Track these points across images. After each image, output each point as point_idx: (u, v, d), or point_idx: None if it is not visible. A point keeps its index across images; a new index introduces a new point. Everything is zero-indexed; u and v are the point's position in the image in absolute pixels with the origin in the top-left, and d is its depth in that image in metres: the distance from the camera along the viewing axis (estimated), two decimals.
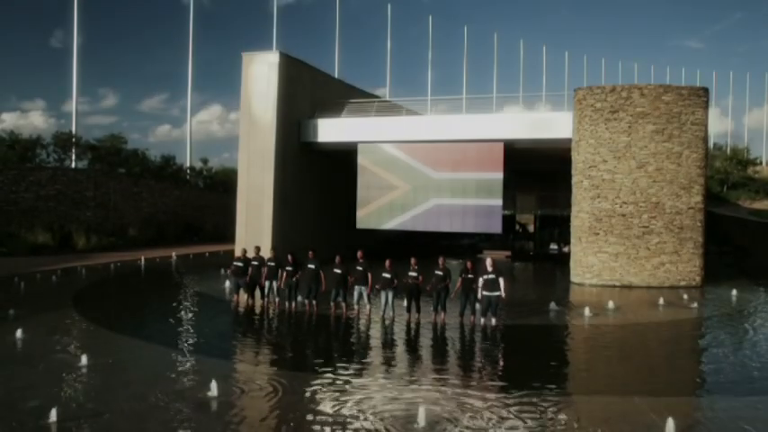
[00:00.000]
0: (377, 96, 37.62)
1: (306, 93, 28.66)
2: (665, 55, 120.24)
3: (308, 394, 9.56)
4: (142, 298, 19.82)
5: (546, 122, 25.38)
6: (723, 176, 52.99)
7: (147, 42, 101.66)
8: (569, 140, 23.87)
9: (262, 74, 26.62)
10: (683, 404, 9.61)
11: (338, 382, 10.27)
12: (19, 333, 12.83)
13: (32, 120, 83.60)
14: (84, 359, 10.89)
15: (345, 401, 9.21)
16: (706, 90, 23.01)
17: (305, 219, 27.95)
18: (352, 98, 30.51)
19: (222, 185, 42.92)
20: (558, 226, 34.48)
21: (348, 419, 8.43)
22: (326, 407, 8.96)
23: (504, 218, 28.77)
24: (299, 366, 11.73)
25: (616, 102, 22.66)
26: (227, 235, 30.47)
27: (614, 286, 22.25)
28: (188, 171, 44.18)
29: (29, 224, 30.93)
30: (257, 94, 26.83)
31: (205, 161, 47.29)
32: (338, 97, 30.07)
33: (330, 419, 8.42)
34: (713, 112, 74.95)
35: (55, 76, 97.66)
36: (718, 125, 73.51)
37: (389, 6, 50.07)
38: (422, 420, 8.17)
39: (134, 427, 8.09)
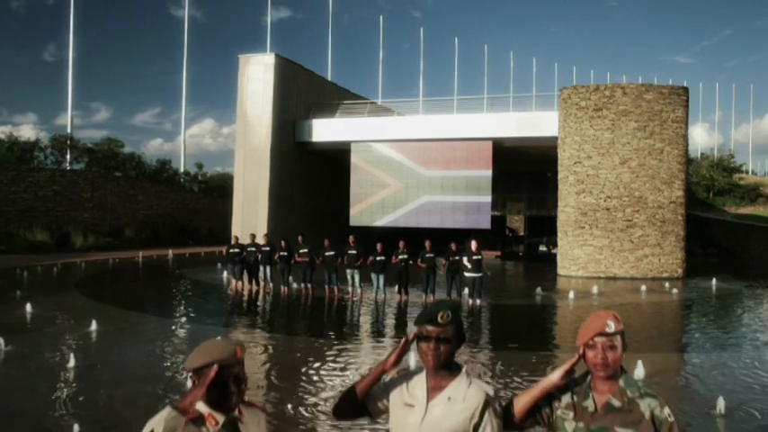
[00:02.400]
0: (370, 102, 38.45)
1: (300, 94, 29.48)
2: (655, 69, 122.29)
3: (301, 352, 10.24)
4: (142, 284, 20.48)
5: (533, 121, 26.28)
6: (709, 183, 53.96)
7: (140, 57, 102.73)
8: (555, 138, 24.70)
9: (258, 75, 27.43)
10: (655, 357, 10.32)
11: (331, 344, 10.96)
12: (28, 307, 13.45)
13: (24, 133, 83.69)
14: (92, 325, 11.52)
15: (337, 357, 9.90)
16: (686, 89, 23.96)
17: (299, 216, 28.64)
18: (346, 100, 31.34)
19: (217, 190, 43.55)
20: (546, 231, 35.24)
21: (341, 369, 9.13)
22: (320, 359, 9.65)
23: (495, 219, 29.56)
24: (293, 332, 12.43)
25: (600, 100, 23.55)
26: (222, 239, 31.07)
27: (599, 278, 22.99)
28: (183, 176, 44.79)
29: (27, 224, 31.47)
30: (253, 95, 27.62)
31: (200, 166, 47.98)
32: (332, 99, 30.92)
33: (324, 366, 9.12)
34: (702, 127, 76.33)
35: (47, 90, 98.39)
36: (708, 139, 74.63)
37: (381, 18, 51.06)
38: (412, 366, 8.85)
39: (145, 371, 8.75)
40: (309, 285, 17.20)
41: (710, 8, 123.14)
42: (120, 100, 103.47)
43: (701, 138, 72.63)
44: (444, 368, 2.58)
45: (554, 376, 2.61)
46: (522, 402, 2.65)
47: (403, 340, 2.62)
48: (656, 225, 23.34)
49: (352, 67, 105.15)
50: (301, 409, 7.13)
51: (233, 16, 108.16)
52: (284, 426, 6.58)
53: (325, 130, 29.00)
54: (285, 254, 17.61)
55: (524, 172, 35.29)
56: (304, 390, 7.94)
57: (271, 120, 27.39)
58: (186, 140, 47.06)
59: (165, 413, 2.09)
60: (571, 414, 2.59)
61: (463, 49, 73.22)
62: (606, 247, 23.50)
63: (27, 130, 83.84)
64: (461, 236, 27.88)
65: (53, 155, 36.82)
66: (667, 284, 20.78)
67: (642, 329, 13.55)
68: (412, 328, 2.63)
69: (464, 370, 2.64)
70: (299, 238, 17.59)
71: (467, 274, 15.53)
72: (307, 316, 15.10)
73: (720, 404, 7.21)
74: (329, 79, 39.14)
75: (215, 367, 2.21)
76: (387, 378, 2.77)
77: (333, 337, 11.71)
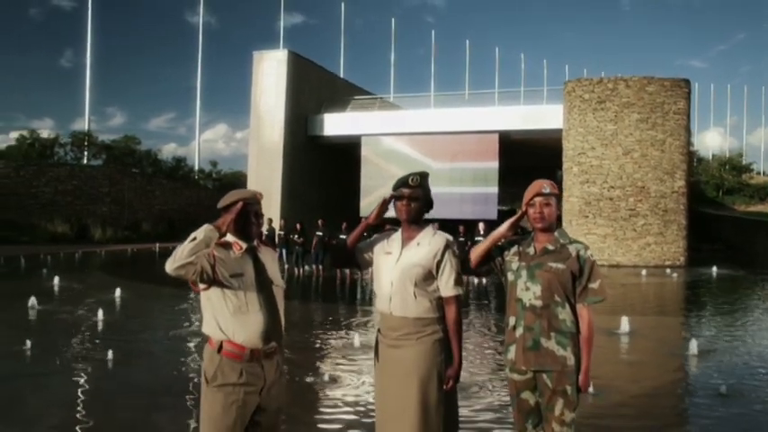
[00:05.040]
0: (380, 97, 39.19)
1: (312, 89, 30.32)
2: (669, 73, 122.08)
3: (313, 313, 11.01)
4: (159, 266, 21.26)
5: (538, 114, 26.96)
6: (718, 181, 54.19)
7: (155, 62, 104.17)
8: (560, 131, 25.33)
9: (271, 70, 28.31)
10: (645, 318, 10.97)
11: (339, 311, 11.73)
12: (56, 280, 14.29)
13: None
14: (116, 292, 12.34)
15: (345, 320, 10.66)
16: (687, 82, 24.50)
17: (312, 209, 29.41)
18: (356, 96, 32.17)
19: (231, 188, 44.33)
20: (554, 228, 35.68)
21: (349, 330, 9.88)
22: (329, 320, 10.41)
23: (503, 214, 30.08)
24: (306, 299, 13.22)
25: (603, 93, 24.17)
26: None
27: (602, 265, 23.54)
28: (197, 173, 45.73)
29: (48, 216, 32.47)
30: (266, 90, 28.49)
31: (215, 164, 48.91)
32: (343, 95, 31.74)
33: (334, 325, 9.89)
34: (717, 131, 76.52)
35: (63, 95, 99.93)
36: (721, 142, 74.56)
37: (393, 21, 51.57)
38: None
39: (164, 322, 9.55)
40: (321, 267, 17.98)
41: (725, 12, 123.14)
42: (135, 105, 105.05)
43: (714, 141, 72.67)
44: (415, 223, 3.32)
45: (502, 228, 3.34)
46: (477, 251, 3.39)
47: (381, 200, 3.36)
48: (659, 214, 23.87)
49: (365, 70, 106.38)
50: (314, 348, 7.87)
51: (247, 22, 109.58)
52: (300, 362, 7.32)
53: (336, 124, 29.84)
54: (299, 236, 18.40)
55: (532, 167, 35.87)
56: (316, 341, 8.70)
57: (284, 114, 28.25)
58: (200, 145, 48.03)
59: (205, 227, 2.83)
60: (516, 258, 3.32)
61: (475, 52, 73.91)
62: (610, 236, 24.08)
63: (44, 135, 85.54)
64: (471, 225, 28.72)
65: (72, 151, 37.91)
66: (668, 270, 21.35)
67: (638, 300, 14.22)
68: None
69: (430, 225, 3.37)
70: (320, 221, 18.41)
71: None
72: (318, 292, 15.88)
73: (693, 346, 7.86)
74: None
75: (240, 203, 2.97)
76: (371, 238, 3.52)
77: (343, 303, 12.49)
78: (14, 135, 37.22)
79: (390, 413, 3.21)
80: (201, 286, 2.92)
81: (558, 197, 3.35)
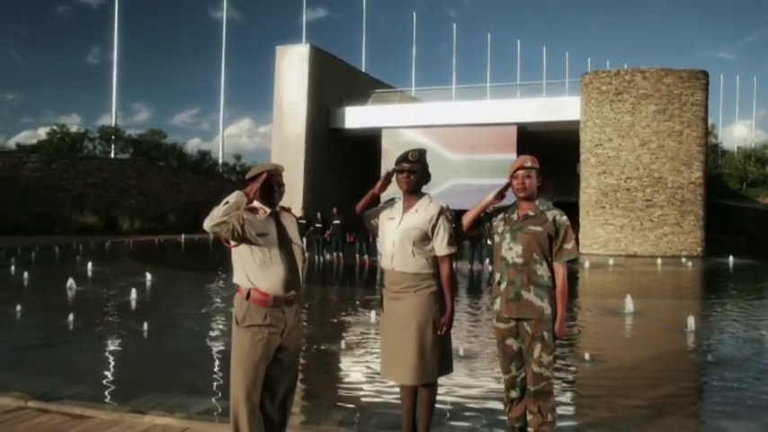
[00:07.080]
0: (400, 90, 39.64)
1: (334, 83, 30.92)
2: (695, 65, 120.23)
3: (333, 295, 11.59)
4: (186, 255, 22.19)
5: (556, 106, 27.28)
6: (742, 174, 53.75)
7: (179, 58, 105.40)
8: (577, 122, 25.61)
9: (293, 64, 28.97)
10: (650, 300, 11.38)
11: (357, 293, 12.30)
12: (89, 266, 15.06)
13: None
14: (147, 276, 13.03)
15: (363, 300, 11.22)
16: (705, 73, 24.62)
17: (333, 199, 29.98)
18: (377, 89, 32.71)
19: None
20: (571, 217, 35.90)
21: (365, 308, 10.45)
22: (348, 301, 10.98)
23: None
24: (327, 284, 13.81)
25: (620, 84, 24.40)
26: None
27: (619, 255, 23.82)
28: (222, 167, 46.65)
29: (79, 208, 33.51)
30: (289, 84, 29.16)
31: (238, 157, 49.79)
32: (364, 88, 32.30)
33: (352, 305, 10.46)
34: (744, 124, 75.68)
35: (90, 92, 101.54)
36: (748, 134, 73.64)
37: (414, 15, 51.67)
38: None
39: (193, 301, 10.18)
40: (341, 254, 18.57)
41: (752, 3, 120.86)
42: (160, 101, 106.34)
43: (741, 133, 71.77)
44: (414, 193, 3.85)
45: (490, 196, 3.86)
46: (468, 217, 3.91)
47: (385, 173, 3.89)
48: (676, 205, 24.08)
49: (387, 65, 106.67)
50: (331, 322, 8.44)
51: (270, 17, 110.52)
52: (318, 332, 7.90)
53: (357, 117, 30.45)
54: (320, 225, 19.03)
55: (550, 158, 36.09)
56: (335, 318, 9.27)
57: (306, 107, 28.89)
58: (224, 140, 48.92)
59: (236, 192, 3.39)
60: (502, 223, 3.84)
61: (497, 46, 73.89)
62: (626, 226, 24.33)
63: (73, 130, 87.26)
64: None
65: (101, 145, 39.00)
66: (684, 260, 21.59)
67: (647, 285, 14.61)
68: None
69: (428, 195, 3.90)
70: (334, 210, 19.00)
71: (489, 242, 16.64)
72: (339, 278, 16.47)
73: (690, 322, 8.29)
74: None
75: (265, 174, 3.52)
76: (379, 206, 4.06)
77: (361, 287, 13.06)
78: (43, 130, 38.64)
79: (393, 355, 3.76)
80: (233, 243, 3.48)
81: (539, 170, 3.85)
